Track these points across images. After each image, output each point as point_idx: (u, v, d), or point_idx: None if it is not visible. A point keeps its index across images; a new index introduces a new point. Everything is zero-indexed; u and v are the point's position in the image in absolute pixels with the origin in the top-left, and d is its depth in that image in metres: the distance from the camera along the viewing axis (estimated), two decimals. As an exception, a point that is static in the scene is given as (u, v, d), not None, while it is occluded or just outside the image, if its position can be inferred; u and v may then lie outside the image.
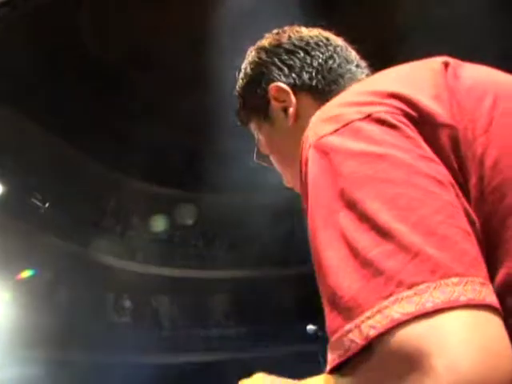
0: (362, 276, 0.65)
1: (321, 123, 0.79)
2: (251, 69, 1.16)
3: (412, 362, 0.60)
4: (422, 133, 0.73)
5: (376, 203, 0.68)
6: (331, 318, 0.67)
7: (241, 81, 1.19)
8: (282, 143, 1.12)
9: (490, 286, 0.63)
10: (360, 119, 0.74)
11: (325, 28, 1.17)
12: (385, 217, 0.67)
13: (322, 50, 1.11)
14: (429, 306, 0.61)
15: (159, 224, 12.32)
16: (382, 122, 0.74)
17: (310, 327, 6.75)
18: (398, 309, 0.61)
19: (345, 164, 0.72)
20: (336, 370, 0.66)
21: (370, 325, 0.62)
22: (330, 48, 1.12)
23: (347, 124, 0.74)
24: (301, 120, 1.07)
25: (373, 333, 0.61)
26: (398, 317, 0.61)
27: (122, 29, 9.29)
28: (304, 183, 0.78)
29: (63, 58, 9.33)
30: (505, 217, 0.69)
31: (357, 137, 0.74)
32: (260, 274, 12.35)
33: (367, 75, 1.09)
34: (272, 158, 1.16)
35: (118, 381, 8.80)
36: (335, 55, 1.11)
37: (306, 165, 0.78)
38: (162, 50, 9.62)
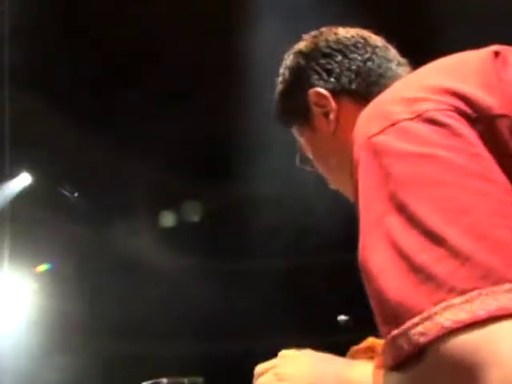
0: (410, 281, 0.64)
1: (368, 122, 0.79)
2: (289, 74, 1.17)
3: (464, 372, 0.59)
4: (475, 128, 0.71)
5: (426, 206, 0.67)
6: (380, 322, 0.67)
7: (280, 86, 1.19)
8: (324, 148, 1.13)
9: None
10: (408, 119, 0.73)
11: (363, 27, 1.16)
12: (435, 220, 0.65)
13: (360, 52, 1.11)
14: (481, 313, 0.59)
15: (188, 212, 12.36)
16: (430, 120, 0.72)
17: (342, 317, 6.69)
18: (449, 316, 0.60)
19: (393, 166, 0.71)
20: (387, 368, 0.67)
21: (419, 332, 0.62)
22: (369, 49, 1.11)
23: (395, 124, 0.73)
24: (342, 124, 1.08)
25: (423, 340, 0.61)
26: (449, 324, 0.60)
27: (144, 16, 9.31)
28: (355, 185, 0.77)
29: (90, 46, 9.34)
30: None
31: (405, 137, 0.72)
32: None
33: (409, 72, 1.08)
34: (315, 162, 1.17)
35: (147, 370, 8.82)
36: (374, 56, 1.10)
37: (356, 167, 0.77)
38: (186, 37, 9.59)
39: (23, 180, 8.91)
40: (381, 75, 1.10)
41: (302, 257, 12.16)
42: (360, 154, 0.76)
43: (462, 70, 0.79)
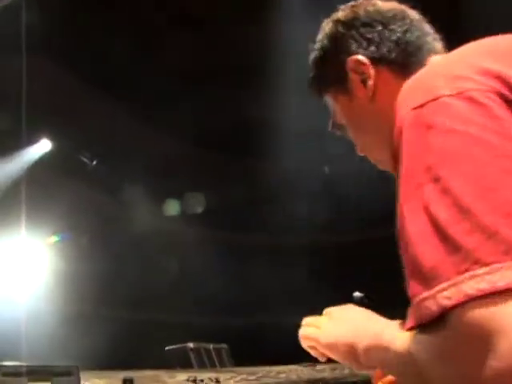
0: (441, 249, 0.72)
1: (412, 94, 0.85)
2: (329, 41, 1.19)
3: (480, 336, 0.67)
4: None
5: (459, 181, 0.74)
6: (411, 284, 0.76)
7: (317, 53, 1.22)
8: (359, 114, 1.16)
9: None
10: (450, 95, 0.79)
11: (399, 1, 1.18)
12: (467, 195, 0.72)
13: (399, 23, 1.13)
14: (500, 284, 0.67)
15: (211, 186, 12.31)
16: (471, 100, 0.77)
17: (357, 294, 6.63)
18: (472, 285, 0.69)
19: (433, 140, 0.77)
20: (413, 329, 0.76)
21: (445, 296, 0.70)
22: (407, 21, 1.13)
23: (437, 98, 0.80)
24: (380, 92, 1.12)
25: (447, 303, 0.70)
26: (472, 292, 0.68)
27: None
28: (397, 154, 0.84)
29: (116, 16, 9.26)
30: None
31: (445, 113, 0.78)
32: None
33: (443, 47, 1.14)
34: (348, 129, 1.20)
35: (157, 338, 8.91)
36: (412, 28, 1.13)
37: (399, 136, 0.83)
38: (214, 12, 9.53)
39: (43, 146, 8.91)
40: (418, 47, 1.12)
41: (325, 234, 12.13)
42: (403, 124, 0.82)
43: (505, 53, 0.84)
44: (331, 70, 1.19)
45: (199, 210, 11.73)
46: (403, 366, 0.86)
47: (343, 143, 1.31)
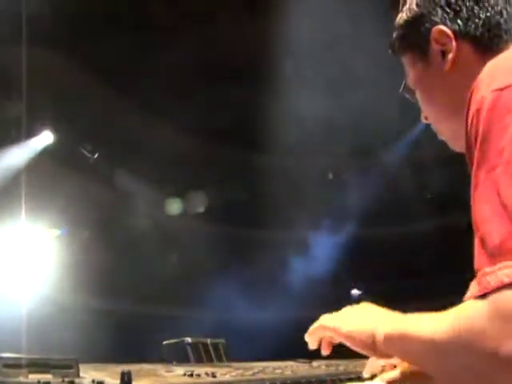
0: (508, 230, 0.75)
1: (494, 75, 0.86)
2: (417, 5, 1.18)
3: None
4: None
5: None
6: (478, 258, 0.80)
7: (404, 14, 1.22)
8: (434, 84, 1.17)
9: None
10: None
11: None
12: None
13: (492, 3, 1.11)
14: None
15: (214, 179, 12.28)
16: None
17: (355, 291, 6.69)
18: None
19: (510, 124, 0.79)
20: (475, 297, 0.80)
21: (506, 273, 0.74)
22: (500, 2, 1.12)
23: None
24: (458, 67, 1.11)
25: (507, 280, 0.74)
26: None
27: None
28: (474, 132, 0.86)
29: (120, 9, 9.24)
30: None
31: None
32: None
33: None
34: (418, 94, 1.22)
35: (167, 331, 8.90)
36: (504, 10, 1.11)
37: (477, 115, 0.85)
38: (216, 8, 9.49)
39: (45, 138, 8.90)
40: (506, 31, 1.10)
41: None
42: (483, 104, 0.84)
43: None
44: (415, 35, 1.19)
45: (201, 207, 11.71)
46: (434, 349, 0.88)
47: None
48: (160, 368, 1.58)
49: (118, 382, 1.28)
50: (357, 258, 10.30)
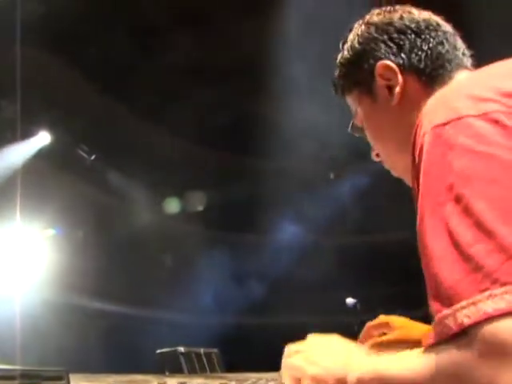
0: (461, 268, 0.74)
1: (435, 111, 0.86)
2: (359, 42, 1.18)
3: (498, 353, 0.70)
4: None
5: (482, 202, 0.75)
6: (433, 301, 0.78)
7: (346, 52, 1.21)
8: (381, 120, 1.15)
9: None
10: (474, 116, 0.80)
11: (435, 12, 1.18)
12: (488, 216, 0.74)
13: (433, 34, 1.12)
14: None
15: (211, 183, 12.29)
16: (495, 121, 0.79)
17: (350, 300, 6.67)
18: (491, 304, 0.71)
19: (456, 159, 0.78)
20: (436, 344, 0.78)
21: (465, 314, 0.73)
22: (440, 33, 1.12)
23: (461, 118, 0.80)
24: (405, 100, 1.10)
25: (467, 322, 0.72)
26: (491, 312, 0.71)
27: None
28: (417, 169, 0.85)
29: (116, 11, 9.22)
30: None
31: (469, 133, 0.79)
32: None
33: (472, 64, 1.13)
34: (367, 132, 1.19)
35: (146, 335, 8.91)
36: (445, 41, 1.12)
37: (421, 152, 0.84)
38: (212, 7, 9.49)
39: (42, 139, 8.89)
40: (448, 61, 1.11)
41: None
42: (425, 140, 0.83)
43: None
44: (359, 72, 1.18)
45: (199, 207, 11.71)
46: None
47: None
48: (152, 379, 1.54)
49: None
50: (352, 264, 10.32)
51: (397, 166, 1.19)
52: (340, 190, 11.90)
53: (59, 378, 1.30)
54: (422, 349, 0.85)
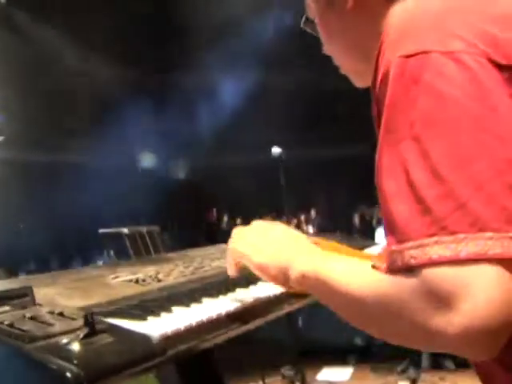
0: (413, 208, 0.76)
1: (402, 39, 0.82)
2: None
3: (440, 298, 0.73)
4: (503, 74, 0.77)
5: (439, 146, 0.75)
6: (386, 233, 0.81)
7: None
8: (334, 22, 1.09)
9: None
10: (441, 52, 0.77)
11: None
12: (443, 161, 0.75)
13: None
14: (462, 255, 0.72)
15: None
16: (460, 62, 0.77)
17: (276, 149, 6.62)
18: (437, 250, 0.73)
19: (420, 97, 0.77)
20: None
21: (410, 255, 0.76)
22: None
23: (427, 52, 0.78)
24: (360, 7, 1.03)
25: (412, 262, 0.75)
26: (436, 258, 0.73)
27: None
28: (381, 98, 0.82)
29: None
30: None
31: (435, 71, 0.77)
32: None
33: None
34: (319, 28, 1.13)
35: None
36: None
37: (383, 80, 0.82)
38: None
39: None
40: None
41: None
42: (391, 70, 0.80)
43: (505, 16, 0.82)
44: None
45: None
46: (346, 300, 0.89)
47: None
48: (106, 273, 1.61)
49: (75, 304, 1.30)
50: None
51: (343, 67, 1.17)
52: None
53: (25, 295, 1.33)
54: (370, 269, 0.87)
